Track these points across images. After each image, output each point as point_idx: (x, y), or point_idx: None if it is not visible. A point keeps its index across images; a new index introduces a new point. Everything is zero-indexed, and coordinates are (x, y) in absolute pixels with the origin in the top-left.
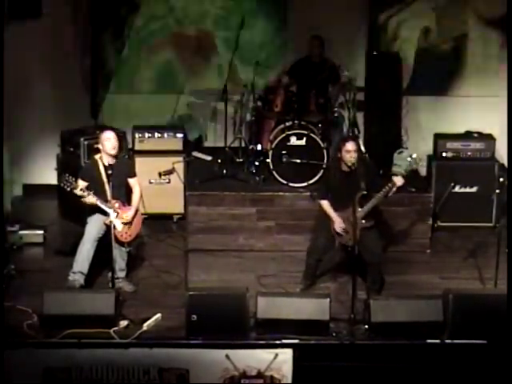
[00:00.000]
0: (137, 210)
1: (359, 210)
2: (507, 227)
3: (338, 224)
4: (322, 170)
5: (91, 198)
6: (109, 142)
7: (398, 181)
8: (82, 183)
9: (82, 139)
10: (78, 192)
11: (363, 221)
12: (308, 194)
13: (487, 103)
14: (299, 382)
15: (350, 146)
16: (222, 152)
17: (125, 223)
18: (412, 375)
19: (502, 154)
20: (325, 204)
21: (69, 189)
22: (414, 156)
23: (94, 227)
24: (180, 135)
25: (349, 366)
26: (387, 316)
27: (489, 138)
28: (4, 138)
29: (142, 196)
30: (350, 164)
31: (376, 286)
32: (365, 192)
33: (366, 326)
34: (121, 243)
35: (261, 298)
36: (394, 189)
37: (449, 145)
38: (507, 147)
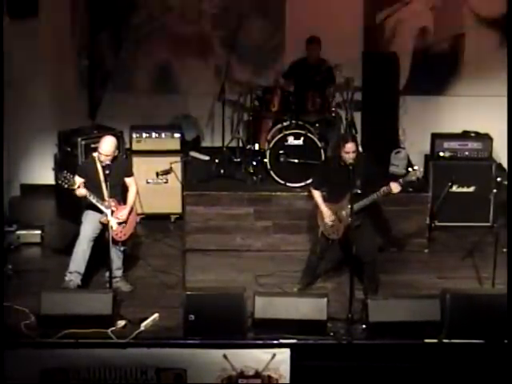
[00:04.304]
0: (131, 209)
1: (348, 207)
2: (507, 227)
3: (328, 216)
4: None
5: (88, 198)
6: (105, 157)
7: (395, 187)
8: (79, 180)
9: (79, 139)
10: (76, 192)
11: (349, 219)
12: (306, 193)
13: (484, 103)
14: (297, 381)
15: (349, 147)
16: (220, 152)
17: (120, 222)
18: (410, 375)
19: (499, 153)
20: (316, 194)
21: (66, 186)
22: (416, 168)
23: (89, 226)
24: (177, 135)
25: (346, 366)
26: (385, 316)
27: (486, 138)
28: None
29: (138, 195)
30: (348, 163)
31: (372, 286)
32: (359, 191)
33: (364, 326)
34: (115, 242)
35: (258, 297)
36: (390, 192)
37: (446, 144)
38: (507, 147)
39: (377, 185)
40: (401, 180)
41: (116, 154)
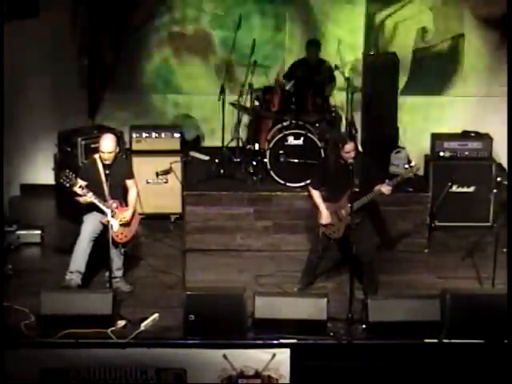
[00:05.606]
0: (134, 212)
1: (348, 205)
2: (507, 227)
3: (325, 217)
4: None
5: (90, 197)
6: (108, 154)
7: (386, 190)
8: (81, 181)
9: (79, 139)
10: (76, 189)
11: (349, 217)
12: (306, 193)
13: (484, 103)
14: (297, 381)
15: (348, 147)
16: (220, 152)
17: (123, 224)
18: (410, 375)
19: (499, 153)
20: (315, 194)
21: (68, 185)
22: (413, 164)
23: (90, 226)
24: (177, 135)
25: (346, 366)
26: (385, 316)
27: (486, 138)
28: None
29: (138, 197)
30: (348, 162)
31: (372, 286)
32: (357, 189)
33: (364, 326)
34: (116, 244)
35: (258, 297)
36: (381, 192)
37: (446, 144)
38: (507, 147)
39: (375, 184)
40: (387, 181)
41: (117, 150)
